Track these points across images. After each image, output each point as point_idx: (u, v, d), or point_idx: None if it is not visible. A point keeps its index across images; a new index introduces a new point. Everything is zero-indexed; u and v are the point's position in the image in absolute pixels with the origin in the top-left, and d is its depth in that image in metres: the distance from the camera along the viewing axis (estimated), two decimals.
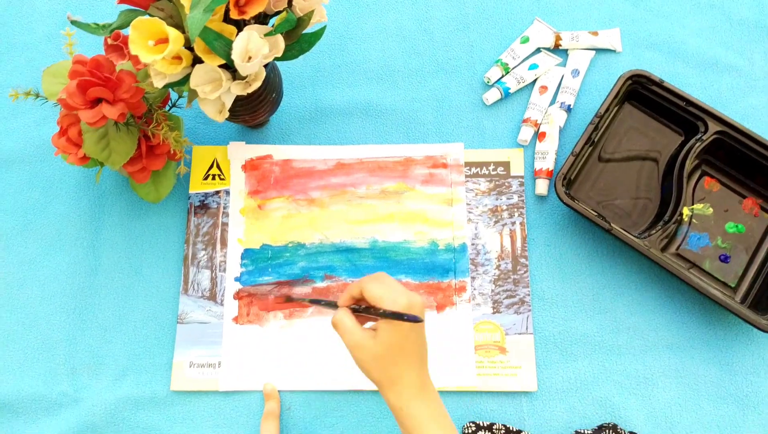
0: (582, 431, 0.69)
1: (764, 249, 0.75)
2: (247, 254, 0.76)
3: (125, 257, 0.77)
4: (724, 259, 0.74)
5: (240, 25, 0.60)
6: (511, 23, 0.85)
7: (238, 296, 0.74)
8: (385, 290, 0.55)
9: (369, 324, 0.60)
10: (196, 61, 0.60)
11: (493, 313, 0.73)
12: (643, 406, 0.71)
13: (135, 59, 0.59)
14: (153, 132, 0.67)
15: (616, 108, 0.78)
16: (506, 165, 0.79)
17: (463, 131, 0.81)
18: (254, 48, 0.57)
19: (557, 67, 0.83)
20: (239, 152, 0.79)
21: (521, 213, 0.77)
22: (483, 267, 0.75)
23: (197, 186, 0.78)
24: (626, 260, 0.76)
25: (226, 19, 0.59)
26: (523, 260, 0.75)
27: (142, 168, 0.70)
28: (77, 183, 0.79)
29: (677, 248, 0.75)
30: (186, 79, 0.61)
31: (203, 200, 0.78)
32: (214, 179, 0.78)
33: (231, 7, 0.58)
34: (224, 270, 0.75)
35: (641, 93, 0.78)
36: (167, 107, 0.73)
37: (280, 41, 0.60)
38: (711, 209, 0.76)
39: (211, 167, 0.79)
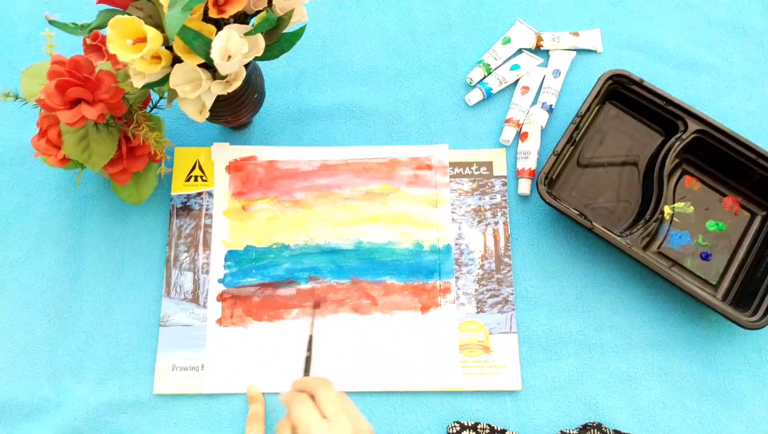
0: (567, 431, 0.69)
1: (744, 247, 0.75)
2: (231, 255, 0.75)
3: (107, 260, 0.76)
4: (705, 257, 0.75)
5: (219, 25, 0.60)
6: (493, 24, 0.86)
7: (221, 298, 0.74)
8: (314, 421, 0.53)
9: None
10: (176, 60, 0.60)
11: (477, 313, 0.74)
12: (627, 404, 0.71)
13: (114, 59, 0.59)
14: (133, 133, 0.66)
15: (597, 108, 0.79)
16: (489, 165, 0.79)
17: (446, 132, 0.81)
18: (234, 47, 0.57)
19: (539, 67, 0.83)
20: (223, 153, 0.79)
21: (504, 213, 0.77)
22: (467, 267, 0.75)
23: (179, 188, 0.78)
24: (608, 258, 0.76)
25: (206, 18, 0.59)
26: (506, 259, 0.76)
27: (123, 169, 0.69)
28: (58, 186, 0.79)
29: (659, 247, 0.75)
30: (166, 79, 0.61)
31: (185, 202, 0.77)
32: (196, 180, 0.78)
33: (210, 6, 0.58)
34: (207, 272, 0.75)
35: (622, 93, 0.79)
36: (148, 108, 0.72)
37: (260, 41, 0.60)
38: (692, 208, 0.77)
39: (194, 168, 0.78)
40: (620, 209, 0.77)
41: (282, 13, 0.62)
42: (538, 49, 0.84)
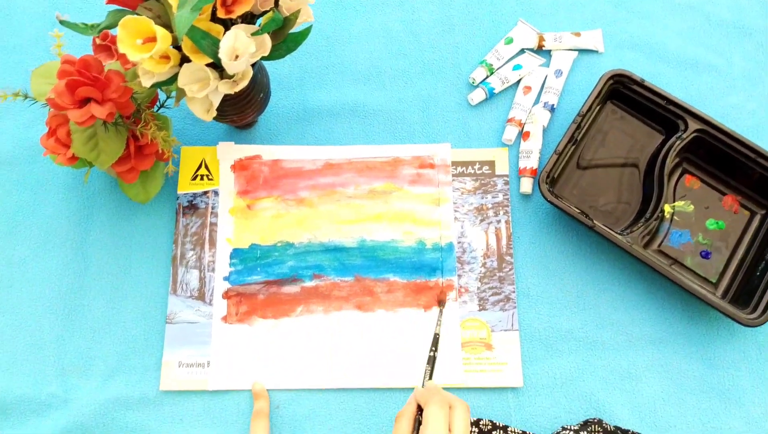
0: (568, 427, 0.70)
1: (744, 245, 0.76)
2: (236, 253, 0.76)
3: (114, 258, 0.77)
4: (705, 255, 0.76)
5: (227, 25, 0.61)
6: (496, 25, 0.87)
7: (227, 295, 0.75)
8: (442, 425, 0.55)
9: None
10: (184, 60, 0.61)
11: (479, 310, 0.74)
12: (628, 401, 0.72)
13: (123, 59, 0.59)
14: (141, 132, 0.67)
15: (598, 107, 0.80)
16: (491, 164, 0.80)
17: (448, 131, 0.82)
18: (241, 47, 0.58)
19: (541, 67, 0.84)
20: (228, 152, 0.80)
21: (506, 212, 0.78)
22: (469, 265, 0.76)
23: (186, 186, 0.79)
24: (609, 256, 0.77)
25: (214, 18, 0.60)
26: (508, 258, 0.76)
27: (131, 168, 0.70)
28: (65, 185, 0.80)
29: (659, 245, 0.76)
30: (174, 78, 0.62)
31: (192, 201, 0.78)
32: (202, 179, 0.79)
33: (218, 6, 0.58)
34: (213, 270, 0.76)
35: (623, 92, 0.79)
36: (155, 108, 0.73)
37: (266, 40, 0.61)
38: (692, 207, 0.78)
39: (200, 167, 0.79)
40: (621, 207, 0.78)
41: (288, 14, 0.63)
42: (540, 50, 0.85)
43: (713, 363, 0.73)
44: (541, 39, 0.85)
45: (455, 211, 0.78)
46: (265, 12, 0.62)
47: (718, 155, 0.77)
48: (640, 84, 0.78)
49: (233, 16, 0.59)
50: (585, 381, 0.73)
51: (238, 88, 0.62)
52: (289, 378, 0.72)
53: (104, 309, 0.75)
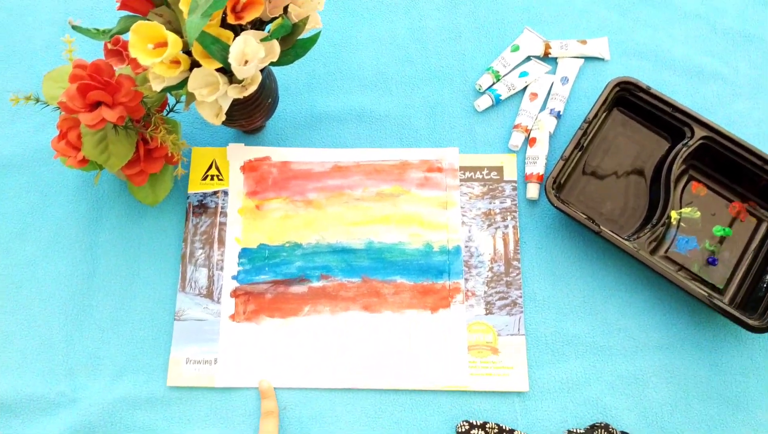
0: (574, 430, 0.70)
1: (751, 251, 0.76)
2: (245, 253, 0.77)
3: (122, 259, 0.78)
4: (712, 261, 0.76)
5: (236, 31, 0.62)
6: (502, 32, 0.87)
7: (235, 294, 0.76)
8: None
9: None
10: (194, 65, 0.62)
11: (486, 314, 0.75)
12: (634, 406, 0.72)
13: (134, 63, 0.61)
14: (151, 135, 0.68)
15: (604, 114, 0.80)
16: (500, 170, 0.80)
17: (455, 137, 0.82)
18: (251, 52, 0.59)
19: (547, 74, 0.85)
20: (238, 153, 0.81)
21: (514, 217, 0.78)
22: (476, 269, 0.76)
23: (196, 186, 0.79)
24: (616, 262, 0.77)
25: (224, 24, 0.61)
26: (515, 262, 0.77)
27: (140, 171, 0.71)
28: (75, 187, 0.81)
29: (666, 251, 0.76)
30: (184, 82, 0.63)
31: (202, 200, 0.79)
32: (212, 179, 0.80)
33: (228, 12, 0.59)
34: (221, 269, 0.77)
35: (629, 99, 0.80)
36: (165, 112, 0.74)
37: (275, 46, 0.62)
38: (698, 213, 0.78)
39: (210, 167, 0.80)
40: (627, 213, 0.78)
41: (297, 20, 0.64)
42: (546, 57, 0.86)
43: (720, 369, 0.73)
44: (548, 46, 0.85)
45: (463, 215, 0.79)
46: (275, 18, 0.63)
47: (724, 162, 0.77)
48: (647, 91, 0.78)
49: (243, 22, 0.60)
50: (591, 387, 0.73)
51: (247, 93, 0.63)
52: (296, 377, 0.72)
53: (112, 310, 0.76)
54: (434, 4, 0.89)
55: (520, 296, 0.75)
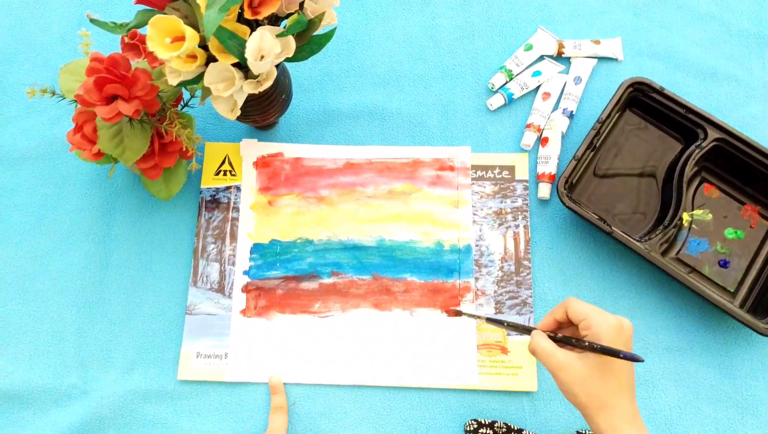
0: (583, 431, 0.70)
1: (763, 255, 0.76)
2: (257, 248, 0.77)
3: (135, 253, 0.78)
4: (724, 264, 0.76)
5: (253, 26, 0.62)
6: (515, 32, 0.87)
7: (246, 289, 0.76)
8: (592, 308, 0.53)
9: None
10: (210, 59, 0.62)
11: (496, 313, 0.75)
12: (643, 408, 0.72)
13: (151, 57, 0.61)
14: (166, 129, 0.69)
15: (617, 114, 0.80)
16: (511, 169, 0.80)
17: (467, 135, 0.83)
18: (267, 47, 0.59)
19: (560, 74, 0.84)
20: (251, 149, 0.81)
21: (525, 216, 0.78)
22: (486, 268, 0.76)
23: (209, 181, 0.80)
24: (627, 263, 0.77)
25: (240, 19, 0.62)
26: (526, 262, 0.77)
27: (155, 165, 0.71)
28: (89, 180, 0.81)
29: (677, 253, 0.76)
30: (199, 77, 0.63)
31: (214, 195, 0.80)
32: (225, 174, 0.80)
33: (245, 7, 0.60)
34: (233, 264, 0.77)
35: (642, 100, 0.80)
36: (179, 107, 0.75)
37: (291, 42, 0.62)
38: (710, 215, 0.78)
39: (223, 163, 0.80)
40: (639, 214, 0.78)
41: (313, 16, 0.64)
42: (559, 57, 0.86)
43: (730, 372, 0.73)
44: (561, 46, 0.85)
45: (474, 214, 0.79)
46: (290, 14, 0.64)
47: (737, 165, 0.77)
48: (660, 92, 0.78)
49: (259, 17, 0.60)
50: None
51: (262, 88, 0.63)
52: (306, 373, 0.73)
53: (124, 303, 0.76)
54: (448, 3, 0.89)
55: (530, 296, 0.75)
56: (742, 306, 0.73)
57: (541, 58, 0.86)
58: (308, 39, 0.65)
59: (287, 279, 0.76)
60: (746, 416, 0.71)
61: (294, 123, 0.84)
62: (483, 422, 0.70)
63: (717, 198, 0.78)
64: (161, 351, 0.74)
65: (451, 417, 0.71)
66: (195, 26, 0.61)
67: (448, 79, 0.85)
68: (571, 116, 0.82)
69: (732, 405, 0.72)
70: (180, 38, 0.58)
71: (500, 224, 0.78)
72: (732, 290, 0.74)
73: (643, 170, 0.79)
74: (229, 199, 0.79)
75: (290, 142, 0.82)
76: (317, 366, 0.73)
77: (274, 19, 0.64)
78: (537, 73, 0.84)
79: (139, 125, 0.68)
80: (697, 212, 0.78)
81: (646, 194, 0.79)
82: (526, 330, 0.59)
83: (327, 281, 0.76)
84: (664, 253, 0.75)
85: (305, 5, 0.63)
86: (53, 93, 0.68)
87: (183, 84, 0.64)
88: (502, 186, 0.80)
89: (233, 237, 0.78)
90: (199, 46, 0.61)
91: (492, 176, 0.80)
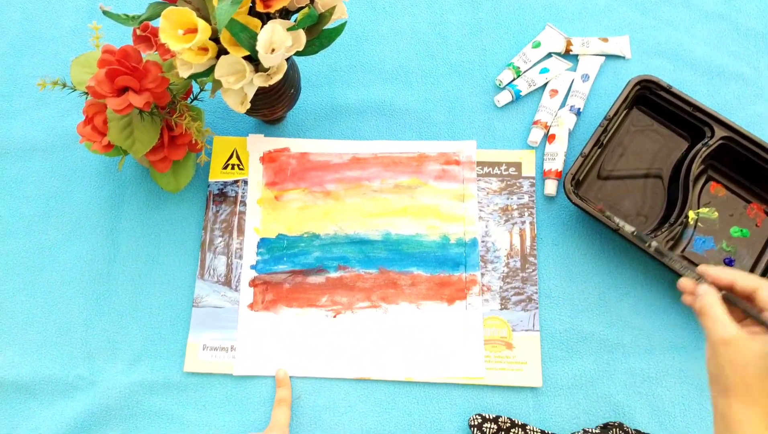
0: (589, 429, 0.70)
1: None
2: (263, 243, 0.78)
3: (143, 245, 0.79)
4: (729, 262, 0.76)
5: (264, 19, 0.63)
6: (523, 29, 0.88)
7: (253, 283, 0.76)
8: None
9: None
10: (221, 52, 0.62)
11: (501, 309, 0.75)
12: (647, 405, 0.72)
13: (162, 49, 0.61)
14: (176, 122, 0.69)
15: (624, 112, 0.80)
16: (518, 166, 0.81)
17: (474, 132, 0.83)
18: (278, 40, 0.60)
19: (568, 71, 0.85)
20: (258, 144, 0.82)
21: (531, 213, 0.79)
22: (492, 264, 0.77)
23: (217, 175, 0.80)
24: (632, 260, 0.77)
25: (252, 12, 0.62)
26: (531, 258, 0.77)
27: (164, 158, 0.72)
28: (98, 173, 0.82)
29: (683, 251, 0.76)
30: (210, 70, 0.63)
31: (222, 189, 0.80)
32: (233, 168, 0.81)
33: (257, 0, 0.60)
34: (240, 257, 0.77)
35: (649, 98, 0.80)
36: (189, 100, 0.75)
37: (301, 36, 0.62)
38: (716, 214, 0.78)
39: (231, 156, 0.81)
40: (645, 212, 0.78)
41: (323, 10, 0.64)
42: (567, 54, 0.86)
43: None
44: (569, 43, 0.85)
45: (480, 211, 0.79)
46: (301, 8, 0.64)
47: (744, 163, 0.77)
48: (667, 90, 0.78)
49: (271, 10, 0.61)
50: (605, 384, 0.73)
51: (272, 82, 0.64)
52: (312, 367, 0.73)
53: (132, 295, 0.77)
54: None
55: (536, 292, 0.75)
56: None
57: (549, 55, 0.86)
58: (318, 33, 0.66)
59: (294, 273, 0.77)
60: None
61: (302, 118, 0.84)
62: (487, 417, 0.70)
63: (723, 196, 0.78)
64: (168, 342, 0.75)
65: (455, 412, 0.72)
66: (207, 19, 0.62)
67: (456, 75, 0.86)
68: (578, 113, 0.82)
69: None
70: (192, 30, 0.58)
71: (506, 221, 0.78)
72: None
73: (650, 168, 0.80)
74: (236, 193, 0.80)
75: (298, 136, 0.83)
76: (323, 360, 0.73)
77: (285, 13, 0.65)
78: (545, 71, 0.84)
79: (149, 117, 0.69)
80: (703, 210, 0.78)
81: (652, 192, 0.79)
82: (692, 272, 0.52)
83: (334, 275, 0.77)
84: (669, 250, 0.75)
85: None
86: (64, 85, 0.69)
87: (194, 76, 0.64)
88: (508, 183, 0.80)
89: (240, 231, 0.78)
90: (211, 38, 0.61)
91: (499, 172, 0.80)
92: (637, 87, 0.79)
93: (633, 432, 0.69)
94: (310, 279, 0.76)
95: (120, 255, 0.78)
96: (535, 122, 0.82)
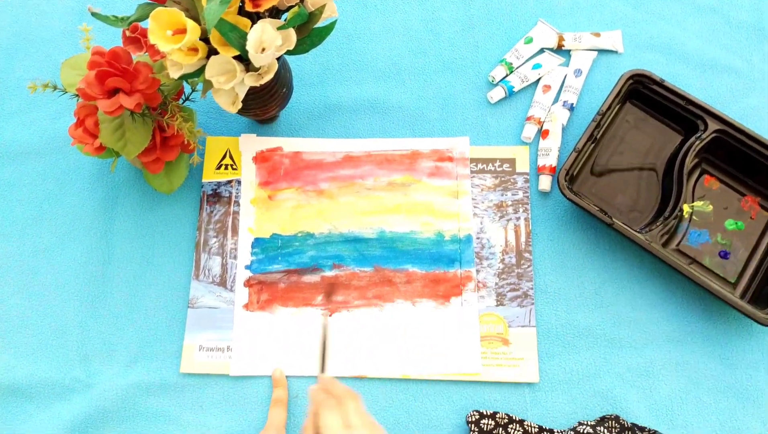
0: (585, 422, 0.70)
1: (763, 246, 0.76)
2: (258, 243, 0.78)
3: (137, 247, 0.78)
4: (724, 255, 0.76)
5: (254, 18, 0.62)
6: (516, 24, 0.87)
7: (248, 283, 0.76)
8: (339, 426, 0.56)
9: None
10: (211, 52, 0.62)
11: (497, 305, 0.75)
12: (644, 398, 0.72)
13: (152, 50, 0.61)
14: (168, 123, 0.69)
15: (617, 107, 0.80)
16: (512, 162, 0.81)
17: (467, 128, 0.83)
18: (268, 40, 0.59)
19: (560, 67, 0.85)
20: (250, 144, 0.81)
21: (526, 209, 0.79)
22: (488, 261, 0.77)
23: (210, 175, 0.80)
24: (628, 255, 0.77)
25: (241, 12, 0.62)
26: (527, 254, 0.77)
27: (156, 159, 0.71)
28: (91, 175, 0.81)
29: (678, 244, 0.76)
30: (200, 70, 0.63)
31: (216, 189, 0.80)
32: (226, 168, 0.80)
33: (246, 0, 0.60)
34: (235, 257, 0.77)
35: (642, 92, 0.80)
36: (181, 100, 0.75)
37: (292, 35, 0.62)
38: (711, 207, 0.78)
39: (224, 156, 0.81)
40: (639, 206, 0.78)
41: (313, 9, 0.64)
42: (559, 49, 0.86)
43: (731, 362, 0.73)
44: (561, 39, 0.85)
45: (475, 207, 0.79)
46: (291, 7, 0.64)
47: (737, 156, 0.77)
48: (660, 84, 0.78)
49: (260, 9, 0.60)
50: (602, 378, 0.73)
51: (263, 81, 0.64)
52: (308, 366, 0.73)
53: (127, 296, 0.77)
54: None
55: (532, 288, 0.75)
56: (742, 297, 0.73)
57: (542, 50, 0.86)
58: (309, 32, 0.66)
59: (289, 273, 0.77)
60: (747, 406, 0.72)
61: (294, 117, 0.84)
62: (485, 413, 0.70)
63: (717, 189, 0.78)
64: (164, 344, 0.75)
65: (453, 409, 0.72)
66: (196, 19, 0.61)
67: (449, 72, 0.86)
68: (571, 108, 0.82)
69: (733, 395, 0.72)
70: (181, 31, 0.58)
71: (501, 217, 0.78)
72: (732, 281, 0.75)
73: (644, 162, 0.80)
74: (230, 193, 0.80)
75: (291, 135, 0.83)
76: (320, 359, 0.73)
77: (275, 12, 0.65)
78: (537, 66, 0.84)
79: (140, 118, 0.68)
80: (697, 203, 0.78)
81: (646, 186, 0.79)
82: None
83: (329, 274, 0.77)
84: (664, 244, 0.75)
85: None
86: (54, 87, 0.68)
87: (184, 77, 0.64)
88: (502, 179, 0.80)
89: (235, 231, 0.78)
90: (201, 39, 0.61)
91: (493, 168, 0.80)
92: (630, 81, 0.79)
93: (629, 425, 0.70)
94: (305, 278, 0.76)
95: (114, 257, 0.78)
96: (529, 118, 0.82)
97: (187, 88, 0.76)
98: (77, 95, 0.68)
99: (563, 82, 0.84)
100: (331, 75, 0.86)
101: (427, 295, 0.75)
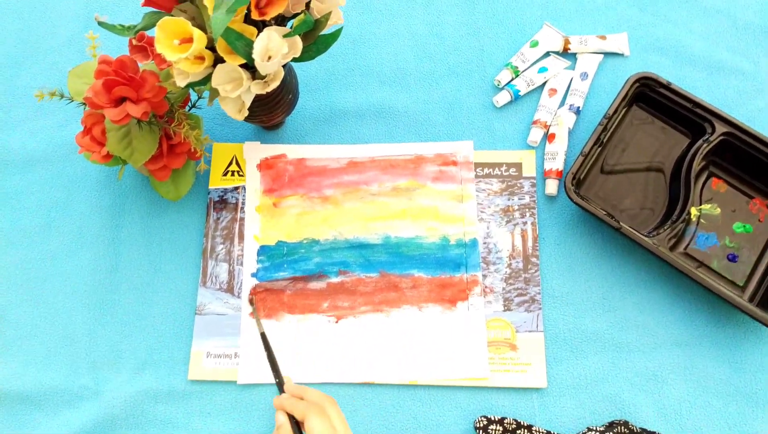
0: (594, 427, 0.70)
1: None
2: (263, 250, 0.78)
3: (145, 254, 0.79)
4: (732, 258, 0.75)
5: (260, 27, 0.62)
6: (521, 28, 0.87)
7: (254, 291, 0.76)
8: (328, 432, 0.59)
9: None
10: (218, 61, 0.62)
11: (504, 310, 0.75)
12: (653, 403, 0.72)
13: (159, 59, 0.61)
14: (174, 130, 0.69)
15: (624, 110, 0.80)
16: (518, 166, 0.80)
17: (473, 133, 0.83)
18: (274, 48, 0.60)
19: (566, 70, 0.84)
20: (254, 151, 0.82)
21: (533, 213, 0.78)
22: (494, 265, 0.76)
23: (217, 182, 0.80)
24: (635, 258, 0.77)
25: (247, 20, 0.62)
26: (534, 259, 0.77)
27: (163, 166, 0.72)
28: (98, 183, 0.82)
29: (685, 248, 0.76)
30: (207, 78, 0.63)
31: (222, 196, 0.80)
32: (233, 175, 0.81)
33: (252, 8, 0.60)
34: (242, 264, 0.77)
35: (649, 95, 0.79)
36: (187, 108, 0.75)
37: (298, 42, 0.62)
38: (718, 210, 0.77)
39: (231, 163, 0.81)
40: (647, 210, 0.78)
41: (319, 16, 0.64)
42: (565, 53, 0.85)
43: (740, 366, 0.73)
44: (567, 42, 0.85)
45: (481, 212, 0.79)
46: (297, 14, 0.64)
47: (745, 159, 0.77)
48: (667, 87, 0.78)
49: (266, 18, 0.60)
50: (610, 383, 0.72)
51: (269, 89, 0.64)
52: (316, 372, 0.73)
53: (135, 304, 0.77)
54: (453, 0, 0.89)
55: (539, 293, 0.75)
56: (751, 300, 0.73)
57: (547, 54, 0.86)
58: (315, 39, 0.66)
59: (295, 280, 0.77)
60: (756, 410, 0.71)
61: (300, 123, 0.84)
62: (493, 418, 0.70)
63: (725, 192, 0.78)
64: (171, 351, 0.75)
65: (460, 414, 0.72)
66: (202, 28, 0.62)
67: (454, 76, 0.86)
68: (577, 111, 0.82)
69: (741, 399, 0.72)
70: (188, 40, 0.58)
71: (508, 221, 0.78)
72: (741, 285, 0.74)
73: (651, 165, 0.79)
74: (237, 199, 0.80)
75: (296, 142, 0.83)
76: (327, 365, 0.73)
77: (281, 20, 0.65)
78: (543, 70, 0.84)
79: (147, 126, 0.69)
80: (705, 206, 0.77)
81: (653, 190, 0.78)
82: (279, 385, 0.69)
83: (335, 280, 0.77)
84: (672, 248, 0.75)
85: (312, 5, 0.64)
86: (62, 96, 0.69)
87: (191, 85, 0.64)
88: (509, 183, 0.80)
89: (241, 237, 0.78)
90: (207, 47, 0.61)
91: (499, 173, 0.80)
92: (637, 84, 0.79)
93: (638, 430, 0.69)
94: (311, 285, 0.76)
95: (122, 264, 0.78)
96: (535, 122, 0.81)
97: (193, 95, 0.76)
98: (84, 103, 0.68)
99: (569, 85, 0.84)
100: (336, 80, 0.86)
101: (433, 300, 0.75)
